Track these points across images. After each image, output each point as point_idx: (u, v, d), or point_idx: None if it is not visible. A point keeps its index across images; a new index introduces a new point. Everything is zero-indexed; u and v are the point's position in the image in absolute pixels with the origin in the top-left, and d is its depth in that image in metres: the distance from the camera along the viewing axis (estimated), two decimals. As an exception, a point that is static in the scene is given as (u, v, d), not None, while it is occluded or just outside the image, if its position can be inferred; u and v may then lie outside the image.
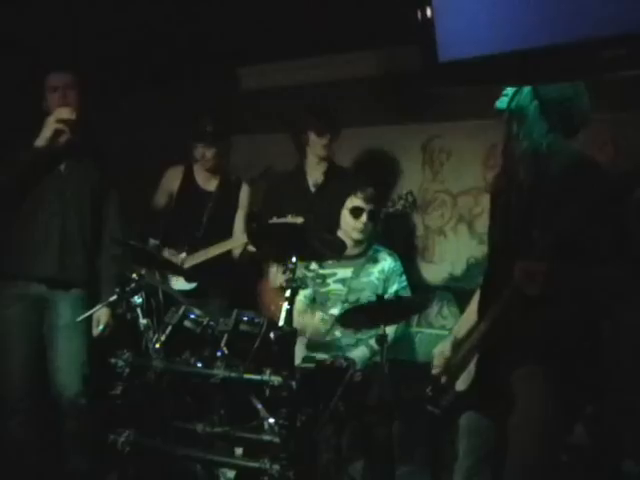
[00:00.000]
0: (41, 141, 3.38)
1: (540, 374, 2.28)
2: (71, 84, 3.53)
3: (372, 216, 3.62)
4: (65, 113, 3.40)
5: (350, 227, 3.63)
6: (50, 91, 3.53)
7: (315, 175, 4.16)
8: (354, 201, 3.63)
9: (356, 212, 3.62)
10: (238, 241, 3.94)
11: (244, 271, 4.18)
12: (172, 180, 4.20)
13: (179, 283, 3.94)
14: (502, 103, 2.42)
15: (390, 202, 3.93)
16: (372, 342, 3.44)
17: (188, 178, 4.17)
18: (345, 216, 3.67)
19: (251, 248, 3.80)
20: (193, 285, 3.96)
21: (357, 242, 3.67)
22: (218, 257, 3.94)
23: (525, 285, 2.20)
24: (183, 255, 3.97)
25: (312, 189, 4.14)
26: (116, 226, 3.65)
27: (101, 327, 3.49)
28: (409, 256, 4.30)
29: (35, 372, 3.52)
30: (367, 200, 3.60)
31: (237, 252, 4.02)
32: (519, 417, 2.29)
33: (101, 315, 3.51)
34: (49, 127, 3.38)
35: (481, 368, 2.43)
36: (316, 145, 4.07)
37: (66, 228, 3.51)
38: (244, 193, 4.18)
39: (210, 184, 4.18)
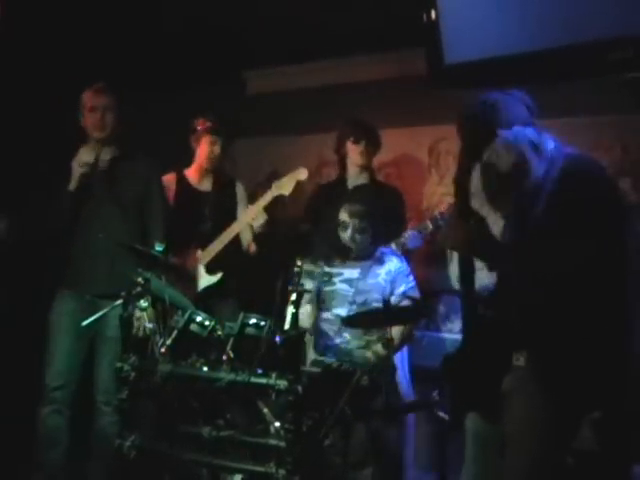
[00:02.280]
0: (72, 185, 3.61)
1: (532, 381, 2.27)
2: (110, 106, 3.69)
3: (357, 230, 3.63)
4: (85, 156, 3.62)
5: (342, 239, 3.67)
6: (89, 110, 3.69)
7: (355, 184, 4.18)
8: (342, 215, 3.68)
9: (342, 225, 3.66)
10: (244, 221, 3.95)
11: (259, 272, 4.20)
12: (167, 188, 4.19)
13: (203, 280, 3.98)
14: None
15: (423, 225, 3.92)
16: (378, 347, 3.43)
17: (181, 183, 4.21)
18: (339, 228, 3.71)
19: (259, 228, 3.86)
20: (217, 277, 3.98)
21: (353, 250, 3.69)
22: (232, 253, 3.96)
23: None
24: (199, 253, 4.02)
25: None
26: (160, 230, 3.76)
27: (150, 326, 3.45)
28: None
29: (78, 368, 3.68)
30: (352, 215, 3.63)
31: (247, 237, 4.03)
32: (512, 428, 2.28)
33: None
34: (75, 172, 3.60)
35: (476, 373, 2.43)
36: (353, 153, 4.14)
37: (114, 244, 3.59)
38: (240, 189, 4.22)
39: (204, 184, 4.20)
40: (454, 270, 4.31)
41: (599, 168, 2.36)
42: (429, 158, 4.57)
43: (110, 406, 3.52)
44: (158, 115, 5.04)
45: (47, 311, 3.72)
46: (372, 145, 4.15)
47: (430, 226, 3.85)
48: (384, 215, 3.74)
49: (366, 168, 4.19)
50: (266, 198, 3.90)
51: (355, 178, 4.20)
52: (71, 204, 3.63)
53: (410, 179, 4.64)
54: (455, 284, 4.30)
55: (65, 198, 3.62)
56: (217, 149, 4.12)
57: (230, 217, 4.12)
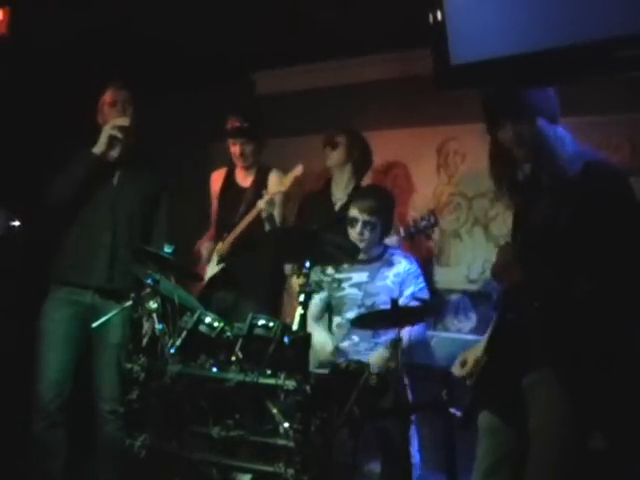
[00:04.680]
0: (98, 148, 3.57)
1: (555, 378, 2.28)
2: (129, 100, 3.69)
3: (367, 226, 3.64)
4: (121, 121, 3.59)
5: (350, 236, 3.67)
6: (109, 105, 3.69)
7: (339, 194, 4.21)
8: (351, 211, 3.69)
9: (352, 222, 3.67)
10: (262, 203, 3.93)
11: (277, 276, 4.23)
12: (215, 183, 4.33)
13: (210, 270, 4.07)
14: None
15: (412, 222, 4.00)
16: (389, 344, 3.44)
17: (229, 179, 4.28)
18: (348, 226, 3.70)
19: (270, 209, 3.89)
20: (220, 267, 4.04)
21: (362, 249, 3.68)
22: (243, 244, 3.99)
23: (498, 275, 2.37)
24: (205, 244, 4.17)
25: (335, 208, 4.20)
26: (163, 233, 3.74)
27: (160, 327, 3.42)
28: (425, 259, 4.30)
29: (71, 376, 3.60)
30: (362, 211, 3.64)
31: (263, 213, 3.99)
32: (539, 420, 2.30)
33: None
34: (105, 133, 3.57)
35: (492, 371, 2.43)
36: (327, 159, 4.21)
37: (117, 239, 3.61)
38: (271, 180, 4.15)
39: (247, 181, 4.23)
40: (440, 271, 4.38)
41: (617, 169, 2.39)
42: (437, 158, 4.57)
43: (115, 415, 3.47)
44: (167, 116, 5.06)
45: (36, 315, 3.60)
46: (350, 151, 4.16)
47: (402, 235, 3.95)
48: (388, 217, 3.76)
49: (354, 173, 4.20)
50: (264, 197, 3.90)
51: (340, 187, 4.22)
52: (89, 171, 3.54)
53: (419, 179, 4.64)
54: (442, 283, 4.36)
55: (87, 158, 3.55)
56: (237, 149, 4.11)
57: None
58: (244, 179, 4.24)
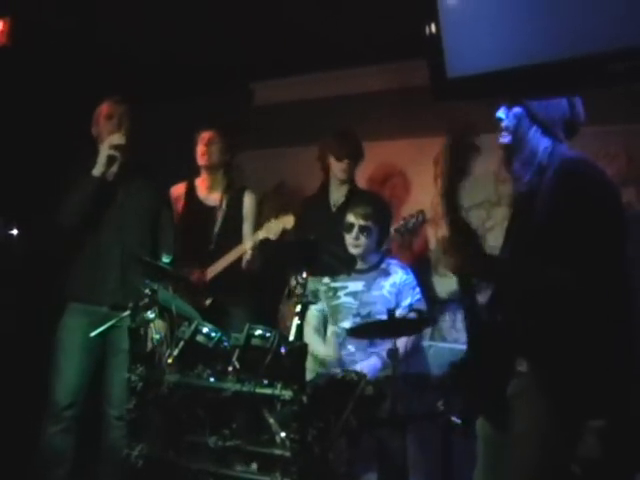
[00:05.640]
0: (98, 169, 3.59)
1: (535, 386, 2.28)
2: (126, 114, 3.71)
3: (363, 231, 3.65)
4: (117, 139, 3.59)
5: (347, 242, 3.68)
6: (105, 118, 3.71)
7: (337, 196, 4.22)
8: (348, 217, 3.70)
9: (348, 228, 3.68)
10: (249, 244, 3.92)
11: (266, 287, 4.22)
12: (176, 202, 4.21)
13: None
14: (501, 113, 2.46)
15: (402, 220, 4.02)
16: (383, 353, 3.44)
17: (190, 194, 4.20)
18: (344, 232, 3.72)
19: (255, 252, 3.86)
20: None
21: (359, 257, 3.70)
22: (236, 270, 3.96)
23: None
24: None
25: (333, 209, 4.21)
26: (170, 242, 3.78)
27: (157, 336, 3.44)
28: (422, 269, 4.31)
29: (87, 384, 3.65)
30: (357, 216, 3.66)
31: (248, 255, 3.97)
32: (519, 427, 2.30)
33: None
34: (103, 154, 3.59)
35: (482, 379, 2.45)
36: (335, 169, 4.17)
37: (125, 254, 3.63)
38: (248, 203, 4.16)
39: (212, 198, 4.17)
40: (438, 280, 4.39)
41: (598, 171, 2.38)
42: (434, 169, 4.58)
43: (122, 420, 3.48)
44: (166, 125, 5.08)
45: (54, 326, 3.65)
46: (355, 160, 4.17)
47: (392, 234, 3.94)
48: (384, 222, 3.77)
49: (350, 180, 4.22)
50: (254, 238, 3.89)
51: (337, 188, 4.22)
52: (96, 190, 3.57)
53: (416, 189, 4.65)
54: (440, 293, 4.36)
55: (89, 183, 3.57)
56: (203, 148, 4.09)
57: (236, 235, 4.08)
58: (207, 196, 4.17)
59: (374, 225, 3.66)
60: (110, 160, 3.59)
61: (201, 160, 4.12)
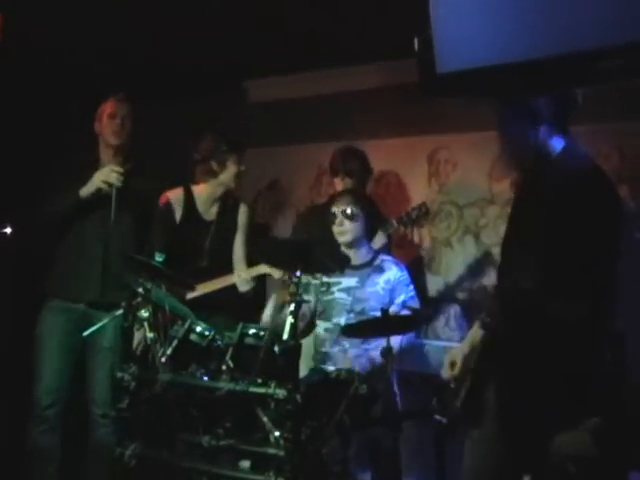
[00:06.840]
0: (84, 192, 3.58)
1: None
2: (129, 114, 3.72)
3: (345, 216, 3.67)
4: (113, 178, 3.57)
5: (335, 235, 3.72)
6: (109, 117, 3.70)
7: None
8: (332, 210, 3.73)
9: (332, 218, 3.71)
10: (238, 276, 3.83)
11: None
12: (173, 206, 3.90)
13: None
14: None
15: (404, 212, 4.01)
16: (374, 354, 3.44)
17: (188, 204, 3.88)
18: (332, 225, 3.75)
19: (251, 281, 3.80)
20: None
21: (348, 245, 3.70)
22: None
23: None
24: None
25: None
26: (163, 241, 3.69)
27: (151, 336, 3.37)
28: (415, 267, 4.31)
29: (68, 382, 3.65)
30: (339, 204, 3.70)
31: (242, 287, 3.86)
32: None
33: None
34: (94, 184, 3.58)
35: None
36: (339, 186, 4.23)
37: (109, 254, 3.62)
38: (242, 215, 3.97)
39: (211, 213, 3.91)
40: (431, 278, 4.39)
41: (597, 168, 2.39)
42: (429, 167, 4.59)
43: (107, 418, 3.49)
44: (158, 124, 5.06)
45: (33, 322, 3.64)
46: (360, 178, 4.22)
47: (395, 224, 3.95)
48: (371, 210, 3.79)
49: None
50: (257, 270, 3.79)
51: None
52: (73, 209, 3.58)
53: (410, 188, 4.65)
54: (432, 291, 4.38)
55: (72, 200, 3.57)
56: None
57: (228, 250, 3.92)
58: (207, 210, 3.88)
59: (356, 209, 3.68)
60: (99, 192, 3.59)
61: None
